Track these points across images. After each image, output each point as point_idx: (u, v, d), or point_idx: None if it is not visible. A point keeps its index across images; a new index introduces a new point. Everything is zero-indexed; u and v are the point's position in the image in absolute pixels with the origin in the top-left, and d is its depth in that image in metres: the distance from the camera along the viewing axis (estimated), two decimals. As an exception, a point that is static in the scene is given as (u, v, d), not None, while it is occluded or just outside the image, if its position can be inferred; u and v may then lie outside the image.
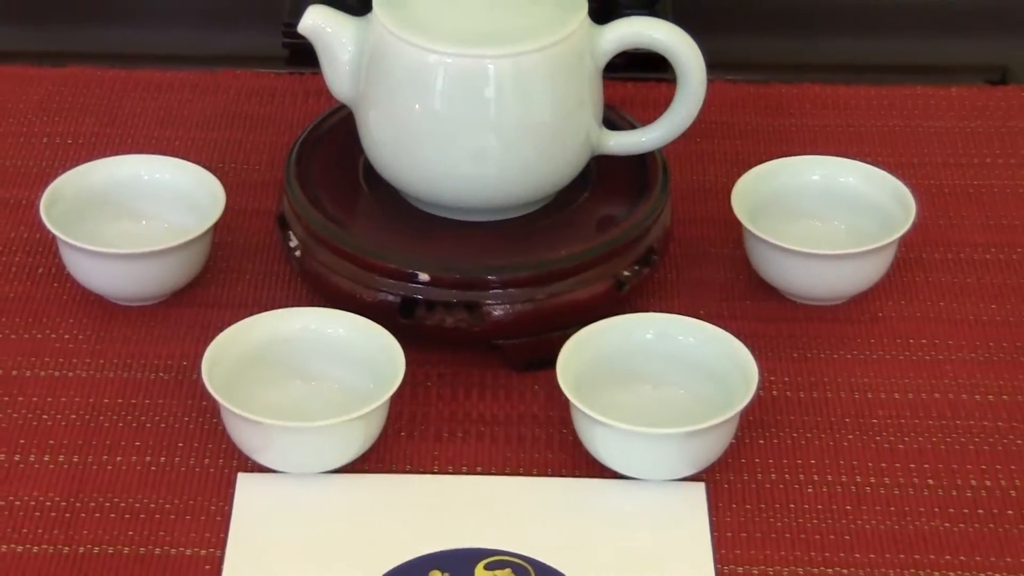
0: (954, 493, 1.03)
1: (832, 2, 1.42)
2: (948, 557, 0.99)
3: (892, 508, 1.02)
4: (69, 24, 1.39)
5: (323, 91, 1.14)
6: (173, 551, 0.99)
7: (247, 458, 1.03)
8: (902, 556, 0.99)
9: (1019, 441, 1.06)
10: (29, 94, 1.30)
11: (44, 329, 1.13)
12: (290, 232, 1.13)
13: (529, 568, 0.97)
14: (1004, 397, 1.09)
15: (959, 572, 0.98)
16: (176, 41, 1.38)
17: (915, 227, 1.13)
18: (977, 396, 1.09)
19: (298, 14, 1.12)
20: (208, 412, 1.05)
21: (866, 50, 1.39)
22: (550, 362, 1.04)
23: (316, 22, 1.10)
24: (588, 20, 1.10)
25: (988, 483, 1.03)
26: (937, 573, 0.98)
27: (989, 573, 0.98)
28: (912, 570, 0.98)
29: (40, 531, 1.00)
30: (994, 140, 1.28)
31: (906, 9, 1.41)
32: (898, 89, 1.32)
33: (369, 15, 1.10)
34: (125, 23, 1.40)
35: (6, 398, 1.08)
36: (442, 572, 0.97)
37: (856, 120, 1.28)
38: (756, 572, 0.98)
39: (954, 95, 1.32)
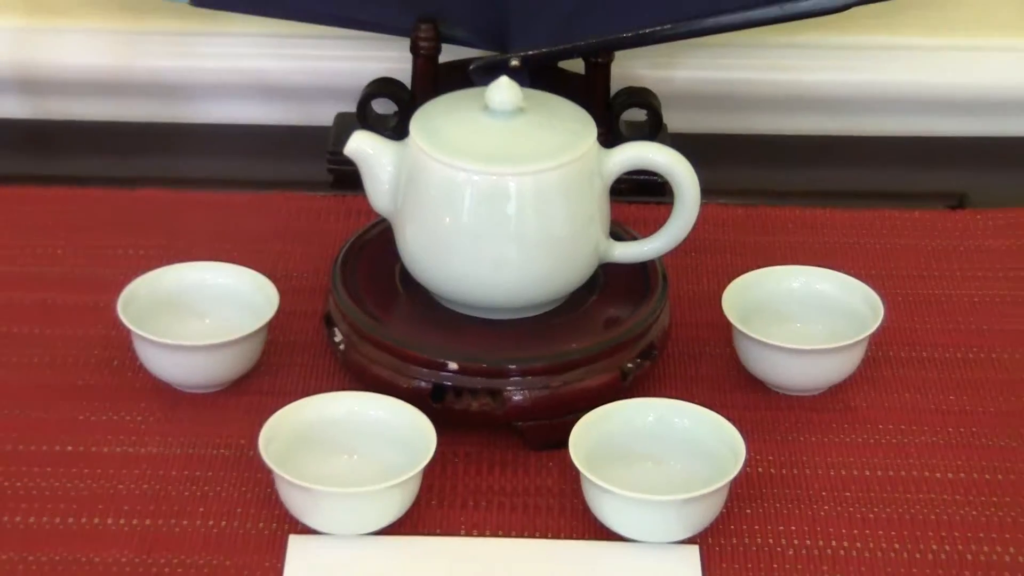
0: (917, 556, 1.07)
1: (810, 137, 1.47)
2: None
3: (863, 568, 1.06)
4: (142, 154, 1.44)
5: (362, 210, 1.20)
6: (237, 603, 1.03)
7: (297, 521, 1.07)
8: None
9: (973, 512, 1.10)
10: (105, 212, 1.34)
11: (120, 412, 1.17)
12: (335, 329, 1.17)
13: (547, 621, 1.02)
14: (961, 475, 1.13)
15: None
16: (235, 169, 1.43)
17: (883, 328, 1.18)
18: (937, 474, 1.13)
19: (341, 144, 1.16)
20: (262, 483, 1.09)
21: (840, 179, 1.44)
22: (563, 442, 1.08)
23: (360, 145, 1.15)
24: (597, 144, 1.15)
25: (947, 548, 1.07)
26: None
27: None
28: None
29: None
30: (952, 256, 1.32)
31: (876, 144, 1.46)
32: (869, 212, 1.36)
33: (406, 139, 1.15)
34: (190, 153, 1.45)
35: (86, 470, 1.12)
36: (470, 620, 1.02)
37: (831, 238, 1.33)
38: (741, 623, 1.03)
39: (917, 217, 1.36)
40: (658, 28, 1.36)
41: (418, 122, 1.16)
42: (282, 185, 1.39)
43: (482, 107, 1.15)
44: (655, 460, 1.11)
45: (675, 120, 1.42)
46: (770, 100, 1.46)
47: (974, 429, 1.17)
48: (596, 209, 1.16)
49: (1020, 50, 1.45)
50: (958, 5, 1.40)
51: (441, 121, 1.16)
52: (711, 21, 1.35)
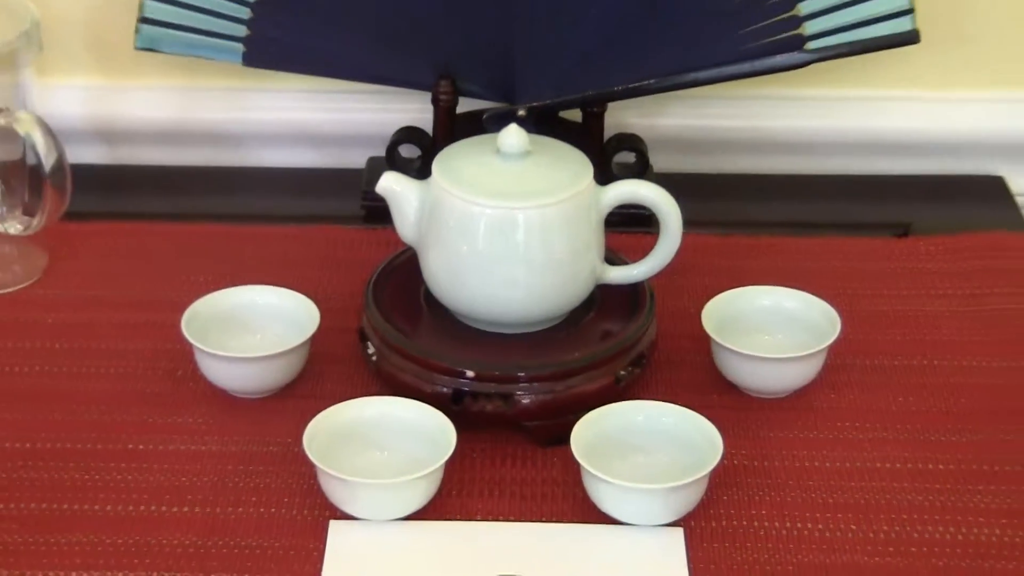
0: (871, 535, 1.07)
1: (775, 176, 1.48)
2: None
3: (824, 546, 1.06)
4: (201, 193, 1.45)
5: (390, 240, 1.20)
6: (284, 577, 1.04)
7: (336, 509, 1.08)
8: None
9: (919, 497, 1.10)
10: (170, 244, 1.35)
11: (183, 415, 1.17)
12: (368, 342, 1.18)
13: (551, 592, 1.03)
14: (908, 465, 1.14)
15: None
16: (280, 206, 1.43)
17: (840, 340, 1.18)
18: (887, 464, 1.14)
19: (372, 183, 1.18)
20: (306, 475, 1.10)
21: (801, 211, 1.44)
22: (565, 439, 1.08)
23: (389, 184, 1.16)
24: (593, 182, 1.16)
25: (896, 528, 1.08)
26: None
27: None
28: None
29: (181, 563, 1.05)
30: (900, 278, 1.32)
31: (833, 181, 1.47)
32: (827, 240, 1.37)
33: (429, 179, 1.16)
34: (243, 193, 1.45)
35: (155, 465, 1.13)
36: (485, 593, 1.02)
37: (795, 262, 1.33)
38: (722, 595, 1.03)
39: (868, 244, 1.36)
40: (645, 83, 1.36)
41: (440, 163, 1.17)
42: (322, 219, 1.39)
43: (494, 150, 1.16)
44: (645, 453, 1.11)
45: (660, 161, 1.42)
46: (741, 144, 1.47)
47: (918, 426, 1.18)
48: (593, 237, 1.16)
49: (952, 101, 1.45)
50: (897, 63, 1.40)
51: (459, 162, 1.17)
52: (690, 76, 1.36)
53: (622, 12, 1.33)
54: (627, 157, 1.40)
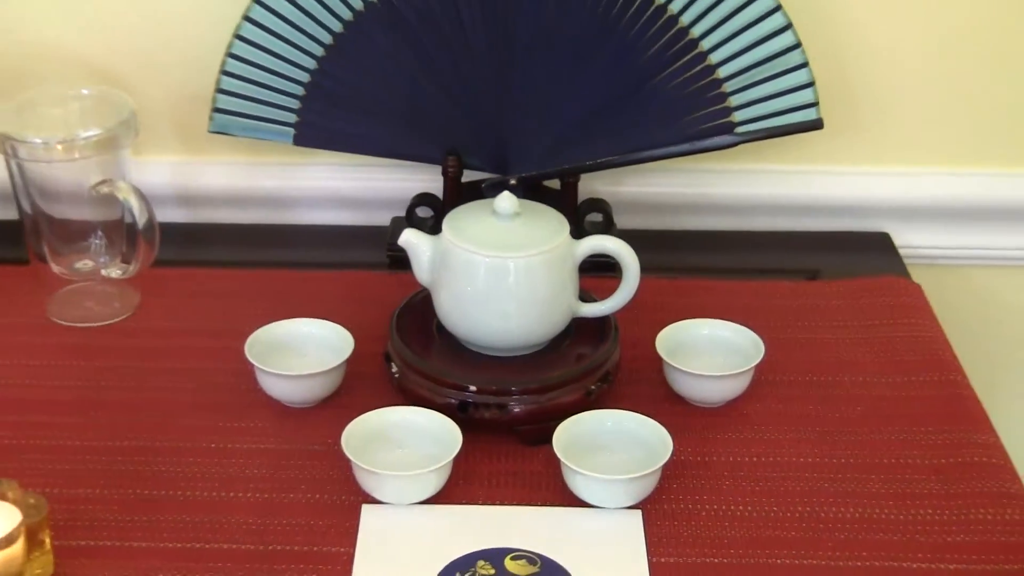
0: (788, 514, 1.07)
1: (713, 232, 1.47)
2: (792, 550, 1.04)
3: (751, 524, 1.06)
4: (260, 246, 1.44)
5: (409, 283, 1.19)
6: (326, 549, 1.04)
7: (368, 495, 1.07)
8: (764, 551, 1.04)
9: (826, 484, 1.10)
10: (236, 285, 1.35)
11: (246, 420, 1.17)
12: (392, 363, 1.17)
13: (536, 559, 1.02)
14: (818, 459, 1.13)
15: (798, 552, 1.04)
16: (322, 255, 1.42)
17: (764, 361, 1.18)
18: (800, 459, 1.13)
19: (395, 238, 1.18)
20: (343, 468, 1.09)
21: (733, 260, 1.43)
22: (548, 439, 1.08)
23: (409, 238, 1.16)
24: (569, 237, 1.16)
25: (808, 509, 1.08)
26: (781, 560, 1.03)
27: (819, 552, 1.03)
28: (771, 554, 1.03)
29: (245, 537, 1.04)
30: (809, 312, 1.32)
31: (759, 236, 1.46)
32: (753, 283, 1.36)
33: (440, 234, 1.16)
34: (292, 245, 1.45)
35: (224, 460, 1.12)
36: (485, 560, 1.02)
37: (728, 301, 1.32)
38: (671, 560, 1.03)
39: (785, 286, 1.36)
40: (610, 159, 1.36)
41: (448, 222, 1.17)
42: (355, 266, 1.39)
43: (491, 212, 1.16)
44: (611, 451, 1.10)
45: (622, 220, 1.42)
46: (685, 206, 1.46)
47: (824, 428, 1.17)
48: (569, 280, 1.16)
49: (849, 174, 1.45)
50: (806, 144, 1.40)
51: (464, 221, 1.16)
52: (646, 154, 1.36)
53: (592, 107, 1.34)
54: (596, 217, 1.40)
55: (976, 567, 1.03)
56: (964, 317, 1.44)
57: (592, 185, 1.42)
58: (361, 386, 1.20)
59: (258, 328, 1.20)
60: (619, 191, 1.44)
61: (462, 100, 1.34)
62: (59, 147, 1.20)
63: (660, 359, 1.18)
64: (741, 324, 1.22)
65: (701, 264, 1.42)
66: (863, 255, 1.44)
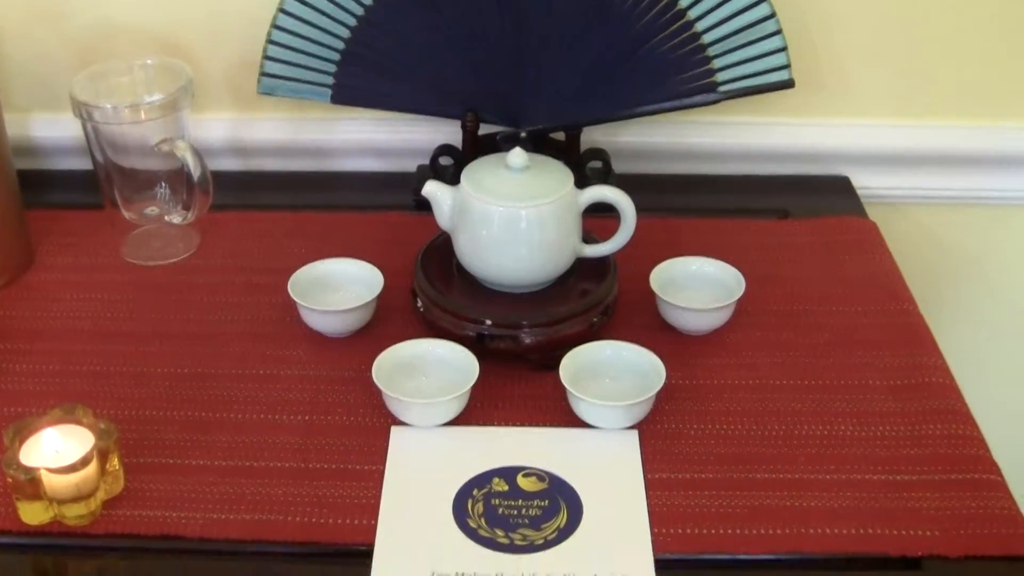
0: (764, 432, 1.01)
1: (698, 175, 1.39)
2: (770, 465, 0.98)
3: (733, 441, 1.00)
4: (305, 191, 1.36)
5: (433, 224, 1.11)
6: (359, 467, 0.97)
7: (396, 418, 1.01)
8: (746, 466, 0.97)
9: (797, 405, 1.03)
10: (282, 227, 1.27)
11: (290, 349, 1.10)
12: (417, 299, 1.10)
13: (545, 475, 0.96)
14: (791, 382, 1.06)
15: (776, 467, 0.97)
16: (358, 199, 1.34)
17: (745, 295, 1.11)
18: (776, 382, 1.06)
19: (421, 185, 1.10)
20: (375, 394, 1.02)
21: (716, 201, 1.35)
22: (556, 366, 1.01)
23: (431, 189, 1.09)
24: (574, 187, 1.08)
25: (784, 427, 1.01)
26: (760, 474, 0.97)
27: (793, 467, 0.97)
28: (752, 469, 0.97)
29: (288, 455, 0.98)
30: (782, 248, 1.24)
31: (738, 180, 1.38)
32: (732, 221, 1.29)
33: (458, 185, 1.08)
34: (332, 190, 1.36)
35: (268, 386, 1.05)
36: (499, 478, 0.95)
37: (711, 238, 1.24)
38: (664, 476, 0.96)
39: (759, 224, 1.28)
40: (607, 114, 1.28)
41: (466, 175, 1.09)
42: (385, 209, 1.31)
43: (504, 165, 1.08)
44: (611, 377, 1.03)
45: (619, 166, 1.34)
46: (674, 154, 1.38)
47: (796, 354, 1.10)
48: (574, 226, 1.09)
49: (816, 125, 1.37)
50: (778, 100, 1.31)
51: (480, 174, 1.09)
52: (639, 109, 1.28)
53: (593, 69, 1.26)
54: (596, 164, 1.33)
55: (928, 477, 0.97)
56: (912, 250, 1.38)
57: (592, 136, 1.34)
58: (391, 318, 1.12)
59: (299, 267, 1.13)
60: (616, 141, 1.36)
61: (479, 64, 1.26)
62: (127, 111, 1.14)
63: (652, 291, 1.11)
64: (723, 260, 1.15)
65: (686, 204, 1.34)
66: (826, 196, 1.36)
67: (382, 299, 1.11)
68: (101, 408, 1.01)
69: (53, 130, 1.34)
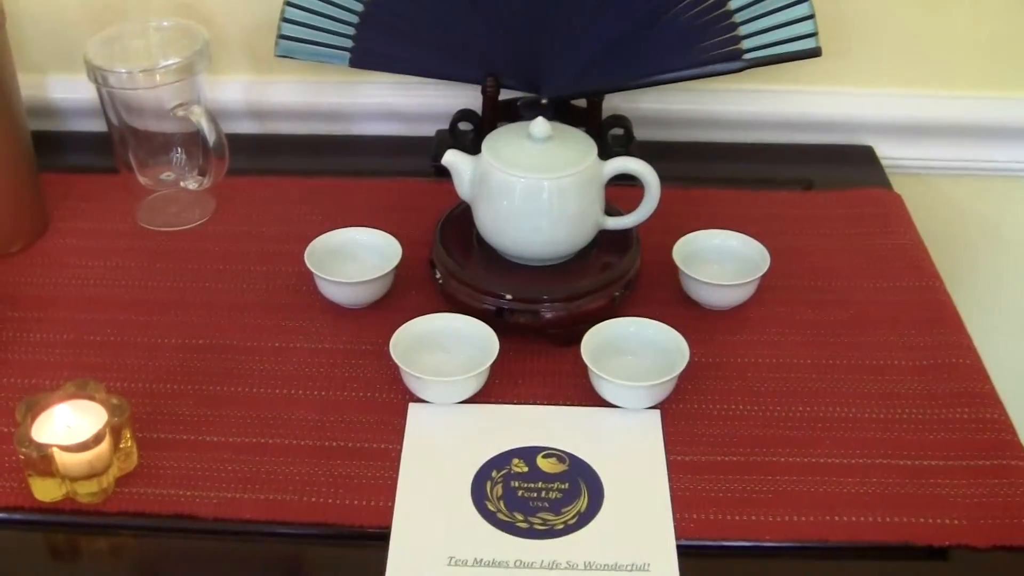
0: (787, 414, 0.96)
1: (719, 144, 1.33)
2: (793, 448, 0.93)
3: (756, 423, 0.95)
4: (323, 155, 1.31)
5: (451, 191, 1.06)
6: (377, 446, 0.93)
7: (414, 395, 0.96)
8: (768, 449, 0.93)
9: (821, 385, 0.99)
10: (299, 192, 1.22)
11: (306, 321, 1.05)
12: (435, 270, 1.06)
13: (566, 457, 0.92)
14: (811, 360, 1.02)
15: (799, 450, 0.93)
16: (376, 163, 1.29)
17: (769, 270, 1.06)
18: (799, 360, 1.02)
19: (441, 149, 1.07)
20: (392, 368, 0.97)
21: (737, 170, 1.29)
22: (577, 341, 0.97)
23: (451, 159, 1.04)
24: (597, 159, 1.03)
25: (805, 409, 0.97)
26: (784, 458, 0.92)
27: (817, 451, 0.93)
28: (775, 452, 0.93)
29: (305, 433, 0.94)
30: (806, 221, 1.19)
31: (761, 149, 1.33)
32: (755, 192, 1.23)
33: (479, 155, 1.03)
34: (351, 154, 1.31)
35: (285, 357, 1.01)
36: (519, 459, 0.91)
37: (733, 209, 1.19)
38: (686, 459, 0.92)
39: (783, 196, 1.23)
40: (630, 81, 1.22)
41: (487, 144, 1.04)
42: (403, 174, 1.26)
43: (527, 135, 1.03)
44: (633, 355, 0.99)
45: (640, 133, 1.29)
46: (696, 121, 1.32)
47: (821, 332, 1.05)
48: (596, 197, 1.04)
49: (840, 94, 1.31)
50: (804, 68, 1.25)
51: (501, 144, 1.04)
52: (663, 76, 1.22)
53: (616, 34, 1.21)
54: (618, 131, 1.28)
55: (955, 463, 0.93)
56: (935, 221, 1.33)
57: (614, 102, 1.29)
58: (408, 289, 1.08)
59: (316, 235, 1.09)
60: (638, 107, 1.31)
61: (500, 29, 1.21)
62: (141, 76, 1.09)
63: (674, 264, 1.06)
64: (746, 233, 1.10)
65: (708, 173, 1.28)
66: (850, 166, 1.30)
67: (400, 269, 1.06)
68: (113, 381, 0.98)
69: (69, 91, 1.30)
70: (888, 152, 1.32)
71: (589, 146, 1.03)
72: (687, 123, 1.32)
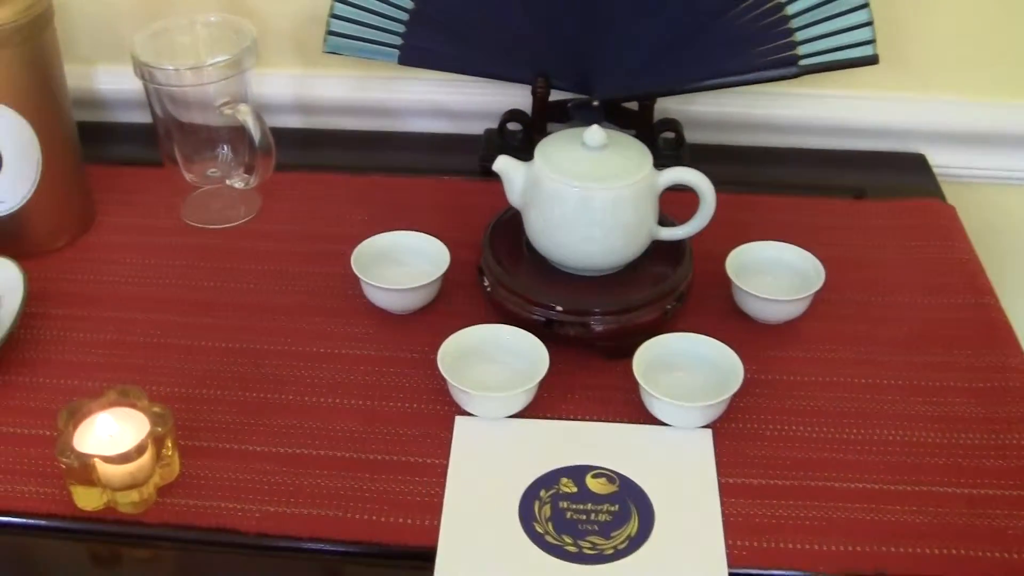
0: (839, 436, 0.91)
1: (771, 149, 1.28)
2: (847, 473, 0.88)
3: (807, 445, 0.90)
4: (372, 151, 1.26)
5: (500, 192, 1.01)
6: (421, 460, 0.89)
7: (461, 408, 0.92)
8: (822, 473, 0.88)
9: (874, 406, 0.94)
10: (346, 189, 1.18)
11: (351, 326, 1.01)
12: (484, 277, 1.01)
13: (616, 477, 0.87)
14: (864, 380, 0.96)
15: (853, 475, 0.88)
16: (423, 161, 1.24)
17: (824, 285, 1.01)
18: (852, 380, 0.96)
19: (490, 148, 1.05)
20: (439, 379, 0.92)
21: (788, 175, 1.24)
22: (628, 354, 0.92)
23: (502, 165, 0.99)
24: (653, 168, 0.98)
25: (858, 431, 0.92)
26: (837, 483, 0.88)
27: (871, 476, 0.88)
28: (828, 477, 0.88)
29: (348, 443, 0.89)
30: (858, 232, 1.14)
31: (811, 154, 1.27)
32: (805, 199, 1.18)
33: (531, 162, 0.99)
34: (399, 151, 1.26)
35: (327, 366, 0.97)
36: (568, 478, 0.87)
37: (782, 217, 1.14)
38: (738, 481, 0.88)
39: (835, 204, 1.18)
40: (682, 84, 1.17)
41: (540, 151, 0.99)
42: (451, 172, 1.21)
43: (581, 143, 0.98)
44: (685, 371, 0.94)
45: (691, 136, 1.24)
46: (748, 125, 1.27)
47: (875, 348, 1.00)
48: (651, 209, 0.99)
49: (893, 100, 1.25)
50: (859, 75, 1.18)
51: (555, 151, 0.99)
52: (717, 81, 1.17)
53: (670, 36, 1.15)
54: (669, 135, 1.22)
55: (1014, 493, 0.87)
56: (987, 232, 1.27)
57: (664, 105, 1.24)
58: (456, 294, 1.03)
59: (363, 237, 1.04)
60: (689, 110, 1.26)
61: (552, 29, 1.16)
62: (189, 73, 1.05)
63: (725, 275, 1.01)
64: (799, 242, 1.05)
65: (758, 178, 1.23)
66: (901, 174, 1.25)
67: (449, 275, 1.02)
68: (154, 384, 0.94)
69: (116, 82, 1.25)
70: (940, 160, 1.27)
71: (644, 155, 0.98)
72: (736, 126, 1.27)
